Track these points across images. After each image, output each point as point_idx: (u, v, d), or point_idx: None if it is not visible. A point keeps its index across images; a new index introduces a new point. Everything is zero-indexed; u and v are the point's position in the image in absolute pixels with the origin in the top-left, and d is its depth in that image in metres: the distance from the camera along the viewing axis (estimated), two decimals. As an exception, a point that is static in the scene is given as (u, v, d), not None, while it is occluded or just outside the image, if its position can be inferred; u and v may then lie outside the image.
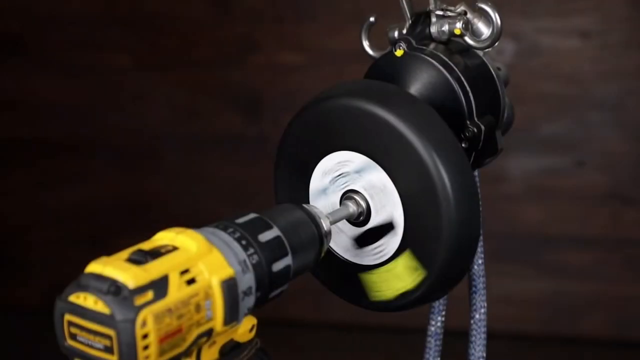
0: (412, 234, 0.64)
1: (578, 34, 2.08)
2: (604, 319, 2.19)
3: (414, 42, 0.70)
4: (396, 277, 0.66)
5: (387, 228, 0.65)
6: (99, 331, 0.47)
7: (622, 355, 2.15)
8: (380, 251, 0.66)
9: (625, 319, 2.19)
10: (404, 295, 0.66)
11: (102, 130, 2.37)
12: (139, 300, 0.47)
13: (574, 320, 2.21)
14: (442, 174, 0.61)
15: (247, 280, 0.53)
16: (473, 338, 0.79)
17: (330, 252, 0.69)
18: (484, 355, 0.79)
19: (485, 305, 0.79)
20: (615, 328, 2.19)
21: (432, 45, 0.71)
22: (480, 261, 0.78)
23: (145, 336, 0.47)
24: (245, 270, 0.53)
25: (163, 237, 0.53)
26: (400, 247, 0.65)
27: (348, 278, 0.69)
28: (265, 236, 0.56)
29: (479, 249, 0.78)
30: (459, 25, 0.70)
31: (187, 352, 0.51)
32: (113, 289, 0.47)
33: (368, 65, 0.73)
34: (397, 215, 0.64)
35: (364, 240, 0.67)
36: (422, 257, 0.64)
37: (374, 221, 0.66)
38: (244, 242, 0.54)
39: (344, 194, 0.67)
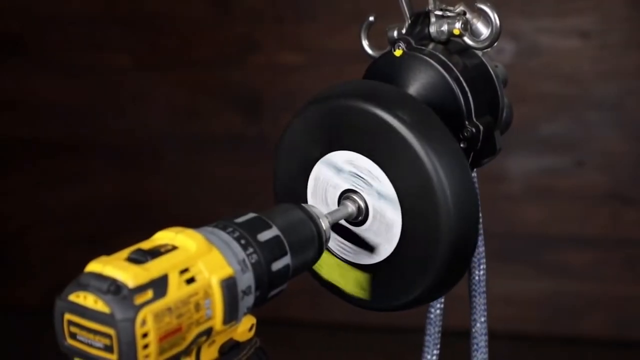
0: (409, 234, 0.64)
1: (578, 34, 2.08)
2: (604, 319, 2.20)
3: (413, 42, 0.70)
4: (343, 276, 0.68)
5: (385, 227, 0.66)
6: (98, 330, 0.47)
7: (622, 355, 2.15)
8: (377, 249, 0.67)
9: (625, 319, 2.19)
10: (338, 290, 0.70)
11: (102, 130, 2.37)
12: (139, 300, 0.47)
13: (574, 320, 2.21)
14: (440, 175, 0.61)
15: (247, 280, 0.53)
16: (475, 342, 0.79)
17: (329, 252, 0.69)
18: (485, 314, 0.79)
19: (486, 309, 0.79)
20: (615, 328, 2.19)
21: (431, 45, 0.71)
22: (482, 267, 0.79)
23: (145, 335, 0.47)
24: (245, 269, 0.53)
25: (163, 237, 0.53)
26: (396, 249, 0.65)
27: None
28: (265, 236, 0.56)
29: (481, 259, 0.78)
30: (458, 25, 0.70)
31: (187, 351, 0.51)
32: (113, 288, 0.47)
33: (368, 65, 0.73)
34: (395, 215, 0.64)
35: (361, 240, 0.67)
36: (420, 258, 0.64)
37: (373, 214, 0.66)
38: (243, 242, 0.54)
39: (342, 193, 0.67)
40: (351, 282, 0.68)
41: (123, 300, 0.47)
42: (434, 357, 0.80)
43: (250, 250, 0.54)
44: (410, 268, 0.65)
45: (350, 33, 2.07)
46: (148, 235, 0.54)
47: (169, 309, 0.48)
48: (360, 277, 0.67)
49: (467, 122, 0.69)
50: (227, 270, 0.52)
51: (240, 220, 0.56)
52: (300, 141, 0.69)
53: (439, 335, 0.80)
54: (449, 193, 0.62)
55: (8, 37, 2.38)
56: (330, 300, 0.76)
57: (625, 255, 2.16)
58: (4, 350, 2.27)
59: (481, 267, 0.78)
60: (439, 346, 0.80)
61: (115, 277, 0.47)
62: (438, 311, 0.79)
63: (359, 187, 0.66)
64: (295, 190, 0.70)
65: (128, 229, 2.30)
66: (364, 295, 0.67)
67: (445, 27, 0.70)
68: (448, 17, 0.70)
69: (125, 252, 0.50)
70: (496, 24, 0.69)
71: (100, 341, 0.47)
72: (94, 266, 0.49)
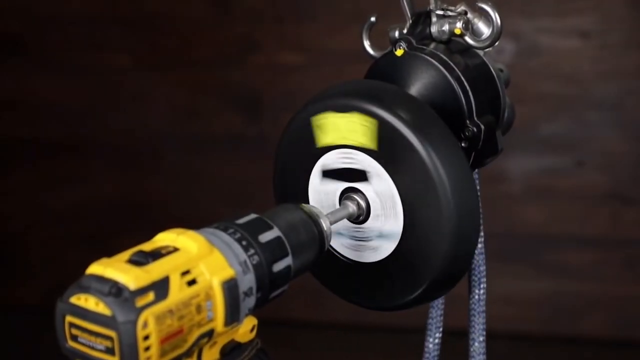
0: (410, 234, 0.64)
1: (578, 34, 2.08)
2: (604, 319, 2.20)
3: (414, 42, 0.70)
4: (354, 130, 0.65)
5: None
6: (100, 332, 0.47)
7: (622, 355, 2.15)
8: (379, 248, 0.67)
9: (625, 319, 2.19)
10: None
11: (102, 130, 2.37)
12: (140, 302, 0.47)
13: (574, 320, 2.21)
14: (441, 174, 0.61)
15: (248, 281, 0.53)
16: (472, 319, 0.79)
17: (330, 252, 0.69)
18: (484, 334, 0.79)
19: (485, 281, 0.79)
20: (615, 328, 2.19)
21: (432, 45, 0.71)
22: (480, 241, 0.78)
23: (146, 337, 0.47)
24: (246, 270, 0.53)
25: (164, 238, 0.53)
26: (396, 249, 0.65)
27: (348, 277, 0.70)
28: (266, 237, 0.56)
29: (482, 277, 0.78)
30: (459, 24, 0.70)
31: (188, 353, 0.51)
32: (114, 291, 0.47)
33: (368, 65, 0.73)
34: (397, 217, 0.64)
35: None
36: (421, 257, 0.64)
37: (372, 222, 0.66)
38: (244, 243, 0.54)
39: (343, 192, 0.67)
40: (359, 132, 0.65)
41: (124, 302, 0.46)
42: (437, 341, 0.80)
43: (252, 251, 0.54)
44: (410, 268, 0.65)
45: (350, 33, 2.07)
46: (148, 235, 0.54)
47: (171, 311, 0.48)
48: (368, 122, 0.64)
49: (468, 122, 0.69)
50: (228, 272, 0.52)
51: (241, 221, 0.56)
52: (301, 141, 0.68)
53: (441, 319, 0.80)
54: (450, 192, 0.62)
55: (8, 37, 2.38)
56: (332, 300, 0.76)
57: (625, 255, 2.16)
58: (4, 350, 2.27)
59: (481, 286, 0.78)
60: (441, 329, 0.80)
61: (117, 280, 0.47)
62: (437, 330, 0.80)
63: (361, 187, 0.66)
64: (296, 191, 0.70)
65: (128, 229, 2.30)
66: (373, 145, 0.64)
67: (446, 27, 0.70)
68: (449, 16, 0.70)
69: (127, 254, 0.50)
70: (497, 23, 0.69)
71: (102, 343, 0.47)
72: (95, 268, 0.49)
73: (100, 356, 0.47)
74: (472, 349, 0.79)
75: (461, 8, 0.71)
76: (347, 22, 2.12)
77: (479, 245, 0.76)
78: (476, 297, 0.78)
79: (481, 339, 0.79)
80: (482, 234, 0.74)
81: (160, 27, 2.28)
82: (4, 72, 2.39)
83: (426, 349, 0.80)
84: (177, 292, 0.49)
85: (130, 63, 2.31)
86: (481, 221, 0.68)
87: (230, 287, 0.52)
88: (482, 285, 0.78)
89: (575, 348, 2.17)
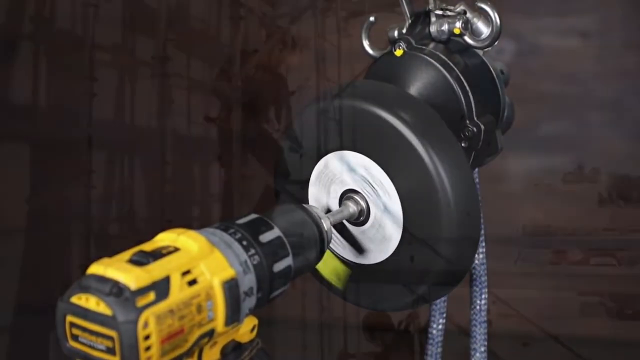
0: (411, 233, 0.64)
1: (578, 34, 2.08)
2: (604, 319, 2.19)
3: (413, 42, 0.70)
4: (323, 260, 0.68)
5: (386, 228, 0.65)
6: (101, 332, 0.47)
7: (622, 355, 2.14)
8: (380, 251, 0.66)
9: (625, 319, 2.19)
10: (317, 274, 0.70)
11: (102, 130, 2.37)
12: (141, 302, 0.47)
13: (574, 320, 2.20)
14: (441, 174, 0.61)
15: (249, 281, 0.53)
16: (474, 329, 0.79)
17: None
18: (485, 344, 0.79)
19: (486, 292, 0.79)
20: (615, 328, 2.19)
21: (431, 45, 0.71)
22: (481, 252, 0.78)
23: (147, 337, 0.47)
24: (247, 270, 0.53)
25: (164, 238, 0.53)
26: (397, 248, 0.65)
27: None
28: (266, 237, 0.56)
29: (483, 288, 0.78)
30: (458, 24, 0.70)
31: (189, 353, 0.51)
32: (115, 291, 0.47)
33: (368, 65, 0.73)
34: (397, 215, 0.64)
35: (355, 240, 0.67)
36: (422, 257, 0.64)
37: (373, 221, 0.66)
38: (245, 243, 0.54)
39: (343, 193, 0.67)
40: (329, 268, 0.68)
41: (125, 302, 0.46)
42: (440, 327, 0.80)
43: (252, 251, 0.54)
44: (410, 269, 0.65)
45: (351, 33, 2.07)
46: (147, 235, 0.54)
47: (171, 311, 0.48)
48: (339, 267, 0.67)
49: (468, 122, 0.69)
50: (229, 272, 0.52)
51: (241, 221, 0.56)
52: (301, 142, 0.68)
53: (445, 304, 0.80)
54: (450, 193, 0.62)
55: (6, 37, 2.38)
56: (332, 301, 0.76)
57: (625, 255, 2.16)
58: (4, 350, 2.27)
59: (483, 297, 0.78)
60: (444, 315, 0.80)
61: (117, 279, 0.47)
62: (441, 316, 0.80)
63: (365, 191, 0.66)
64: (297, 191, 0.70)
65: (128, 229, 2.30)
66: (338, 284, 0.67)
67: (445, 27, 0.70)
68: (448, 16, 0.70)
69: (127, 254, 0.50)
70: (496, 23, 0.69)
71: (102, 343, 0.47)
72: (95, 268, 0.48)
73: (100, 356, 0.47)
74: (473, 359, 0.79)
75: (460, 8, 0.71)
76: (348, 22, 2.12)
77: (480, 256, 0.77)
78: (477, 307, 0.78)
79: (482, 349, 0.79)
80: (483, 244, 0.74)
81: (160, 27, 2.28)
82: (3, 72, 2.39)
83: (430, 335, 0.80)
84: (178, 292, 0.49)
85: (130, 63, 2.31)
86: (482, 227, 0.69)
87: (231, 287, 0.51)
88: (483, 297, 0.78)
89: (576, 348, 2.16)
